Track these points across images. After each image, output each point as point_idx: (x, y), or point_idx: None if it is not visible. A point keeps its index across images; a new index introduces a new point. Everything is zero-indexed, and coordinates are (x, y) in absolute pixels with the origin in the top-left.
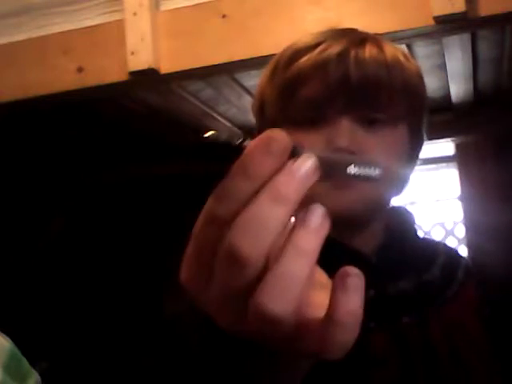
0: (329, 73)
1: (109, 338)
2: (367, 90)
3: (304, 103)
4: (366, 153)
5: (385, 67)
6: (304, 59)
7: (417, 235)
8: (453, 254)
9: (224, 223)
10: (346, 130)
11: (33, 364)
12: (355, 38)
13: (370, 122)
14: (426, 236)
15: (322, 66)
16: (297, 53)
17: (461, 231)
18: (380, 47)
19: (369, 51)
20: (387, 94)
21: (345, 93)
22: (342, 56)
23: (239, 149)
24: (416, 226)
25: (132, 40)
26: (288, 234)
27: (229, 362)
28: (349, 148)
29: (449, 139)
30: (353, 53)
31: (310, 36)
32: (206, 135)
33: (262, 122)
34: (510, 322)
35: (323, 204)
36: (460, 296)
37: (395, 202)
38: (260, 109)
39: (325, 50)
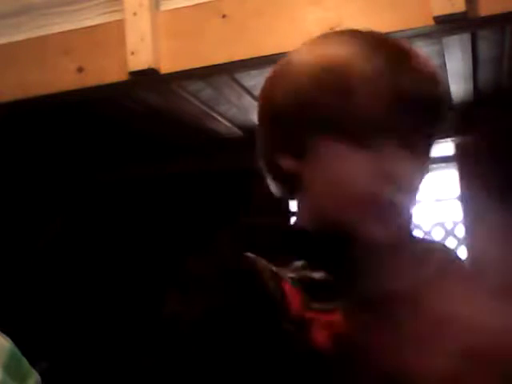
0: (391, 94)
1: (108, 338)
2: (427, 113)
3: (364, 121)
4: (409, 179)
5: (438, 84)
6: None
7: (413, 235)
8: (449, 253)
9: None
10: (396, 156)
11: (33, 364)
12: (400, 52)
13: (414, 144)
14: (424, 236)
15: (386, 87)
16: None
17: (461, 231)
18: (424, 59)
19: (422, 67)
20: (442, 114)
21: (407, 116)
22: (403, 76)
23: None
24: (412, 226)
25: (132, 40)
26: None
27: None
28: (395, 175)
29: (449, 139)
30: (411, 73)
31: (363, 52)
32: None
33: (281, 128)
34: None
35: None
36: None
37: None
38: (278, 115)
39: (383, 69)
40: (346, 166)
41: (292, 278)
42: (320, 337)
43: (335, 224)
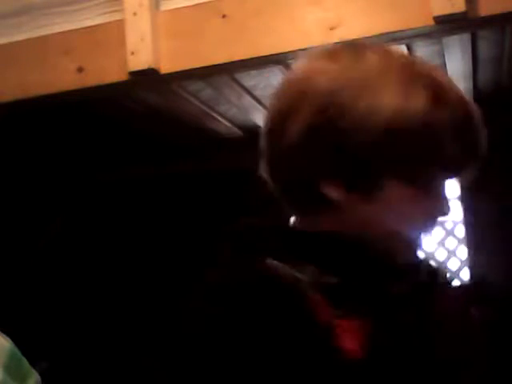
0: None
1: (107, 338)
2: (480, 152)
3: (439, 170)
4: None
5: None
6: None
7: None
8: (429, 263)
9: None
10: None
11: (33, 364)
12: (462, 102)
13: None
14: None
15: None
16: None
17: (461, 231)
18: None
19: (477, 116)
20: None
21: (473, 161)
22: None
23: None
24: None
25: (132, 40)
26: None
27: None
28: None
29: None
30: (473, 122)
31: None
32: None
33: (343, 158)
34: (510, 321)
35: None
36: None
37: None
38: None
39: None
40: (404, 207)
41: (312, 283)
42: (349, 343)
43: (368, 245)
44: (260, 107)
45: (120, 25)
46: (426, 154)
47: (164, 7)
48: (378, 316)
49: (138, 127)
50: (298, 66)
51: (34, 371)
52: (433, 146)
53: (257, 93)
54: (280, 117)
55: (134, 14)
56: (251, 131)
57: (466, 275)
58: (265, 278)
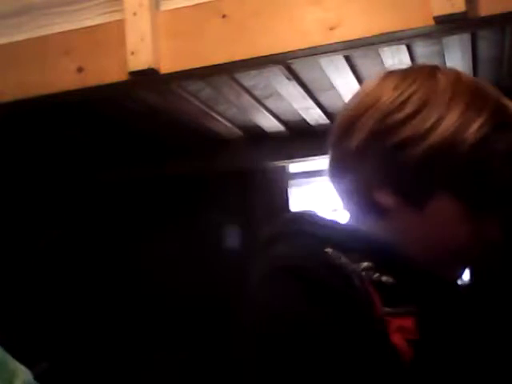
0: None
1: (108, 338)
2: None
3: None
4: None
5: None
6: None
7: None
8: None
9: None
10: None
11: (33, 364)
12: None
13: None
14: None
15: None
16: None
17: None
18: None
19: None
20: None
21: None
22: None
23: None
24: None
25: (132, 40)
26: None
27: None
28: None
29: None
30: None
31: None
32: None
33: (400, 168)
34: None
35: None
36: None
37: None
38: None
39: None
40: (451, 224)
41: (367, 278)
42: (397, 339)
43: (418, 260)
44: (260, 107)
45: (120, 25)
46: (477, 174)
47: (164, 7)
48: (426, 318)
49: (138, 127)
50: (372, 79)
51: (23, 370)
52: (485, 168)
53: (256, 93)
54: (346, 124)
55: (134, 14)
56: (251, 131)
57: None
58: (330, 265)
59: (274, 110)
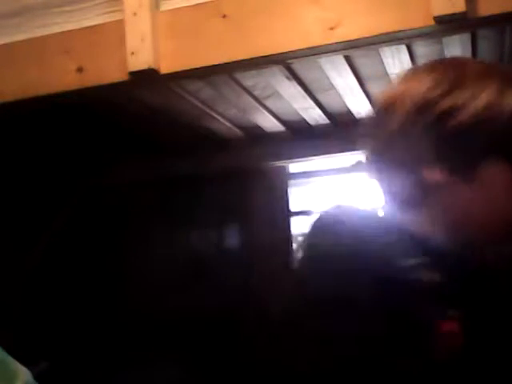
0: None
1: (108, 338)
2: None
3: None
4: None
5: None
6: None
7: None
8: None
9: None
10: None
11: (33, 364)
12: None
13: None
14: None
15: None
16: None
17: None
18: None
19: None
20: None
21: None
22: None
23: None
24: None
25: (132, 40)
26: None
27: None
28: None
29: None
30: None
31: None
32: None
33: (448, 144)
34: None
35: None
36: None
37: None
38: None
39: None
40: (503, 193)
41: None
42: (445, 341)
43: (468, 239)
44: (260, 107)
45: (120, 25)
46: None
47: (164, 7)
48: (472, 318)
49: (138, 127)
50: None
51: (23, 370)
52: None
53: (256, 93)
54: (385, 106)
55: (134, 14)
56: (251, 131)
57: None
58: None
59: (274, 110)
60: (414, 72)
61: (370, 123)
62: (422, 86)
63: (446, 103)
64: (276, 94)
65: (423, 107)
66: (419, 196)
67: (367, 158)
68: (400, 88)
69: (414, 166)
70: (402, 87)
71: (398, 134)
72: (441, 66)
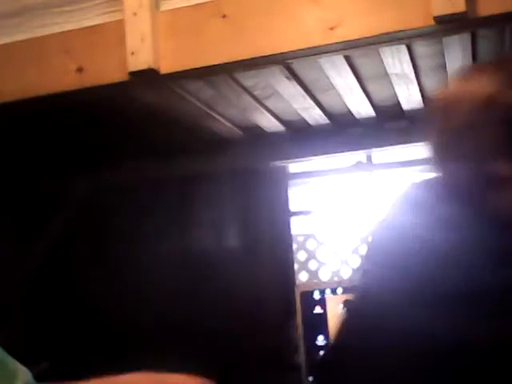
0: None
1: (108, 338)
2: None
3: None
4: None
5: None
6: None
7: None
8: None
9: None
10: None
11: (33, 364)
12: None
13: None
14: None
15: None
16: None
17: None
18: None
19: None
20: None
21: None
22: None
23: None
24: None
25: (132, 40)
26: None
27: None
28: None
29: None
30: None
31: None
32: None
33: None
34: None
35: None
36: None
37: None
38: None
39: None
40: None
41: None
42: None
43: None
44: (260, 107)
45: (120, 25)
46: None
47: (164, 7)
48: None
49: (137, 127)
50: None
51: (23, 370)
52: None
53: (256, 93)
54: (448, 103)
55: (134, 14)
56: (251, 131)
57: None
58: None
59: (274, 110)
60: (478, 68)
61: (435, 119)
62: (489, 82)
63: (510, 97)
64: (276, 94)
65: (491, 102)
66: (487, 189)
67: (433, 153)
68: (465, 84)
69: (483, 159)
70: (467, 83)
71: (467, 128)
72: (505, 61)
